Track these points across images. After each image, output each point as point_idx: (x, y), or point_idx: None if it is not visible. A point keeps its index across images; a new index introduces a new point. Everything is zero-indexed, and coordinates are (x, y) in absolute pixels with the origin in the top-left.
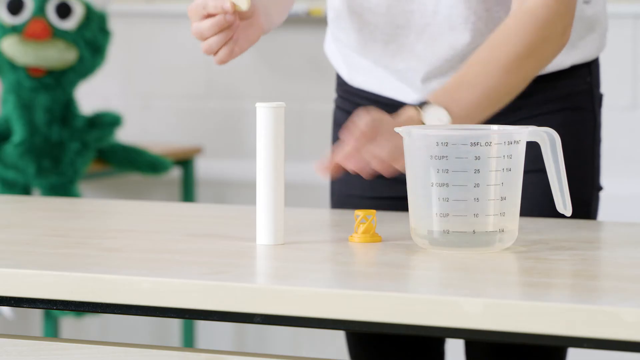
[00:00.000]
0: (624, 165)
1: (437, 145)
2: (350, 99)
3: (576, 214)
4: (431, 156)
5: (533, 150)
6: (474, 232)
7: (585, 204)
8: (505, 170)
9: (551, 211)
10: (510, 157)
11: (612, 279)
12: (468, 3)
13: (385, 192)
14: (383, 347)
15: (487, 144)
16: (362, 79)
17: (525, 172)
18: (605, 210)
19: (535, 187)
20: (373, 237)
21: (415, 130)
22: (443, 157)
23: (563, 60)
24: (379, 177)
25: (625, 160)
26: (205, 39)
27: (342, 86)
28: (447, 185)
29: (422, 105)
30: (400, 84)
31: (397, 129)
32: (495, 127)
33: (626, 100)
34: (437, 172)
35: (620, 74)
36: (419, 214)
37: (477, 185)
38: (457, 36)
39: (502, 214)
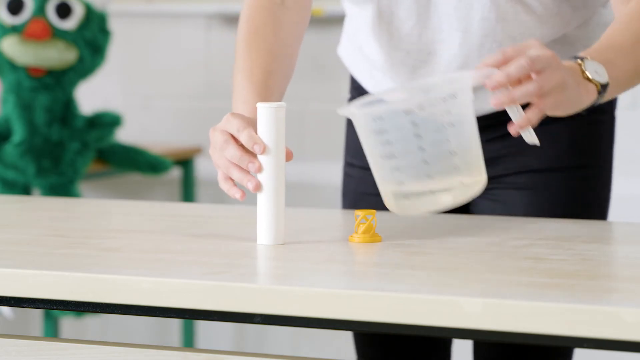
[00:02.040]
0: (623, 165)
1: (374, 121)
2: None
3: (595, 214)
4: (372, 131)
5: (553, 150)
6: (432, 191)
7: (604, 203)
8: (448, 125)
9: (574, 211)
10: (449, 112)
11: (612, 279)
12: (502, 31)
13: None
14: (390, 345)
15: (420, 108)
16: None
17: (549, 170)
18: None
19: (558, 186)
20: (373, 237)
21: (352, 109)
22: (383, 130)
23: None
24: None
25: (625, 161)
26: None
27: (359, 90)
28: (395, 156)
29: (578, 58)
30: None
31: (338, 110)
32: (421, 89)
33: (626, 100)
34: (382, 145)
35: None
36: (382, 187)
37: (421, 149)
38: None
39: (457, 169)
